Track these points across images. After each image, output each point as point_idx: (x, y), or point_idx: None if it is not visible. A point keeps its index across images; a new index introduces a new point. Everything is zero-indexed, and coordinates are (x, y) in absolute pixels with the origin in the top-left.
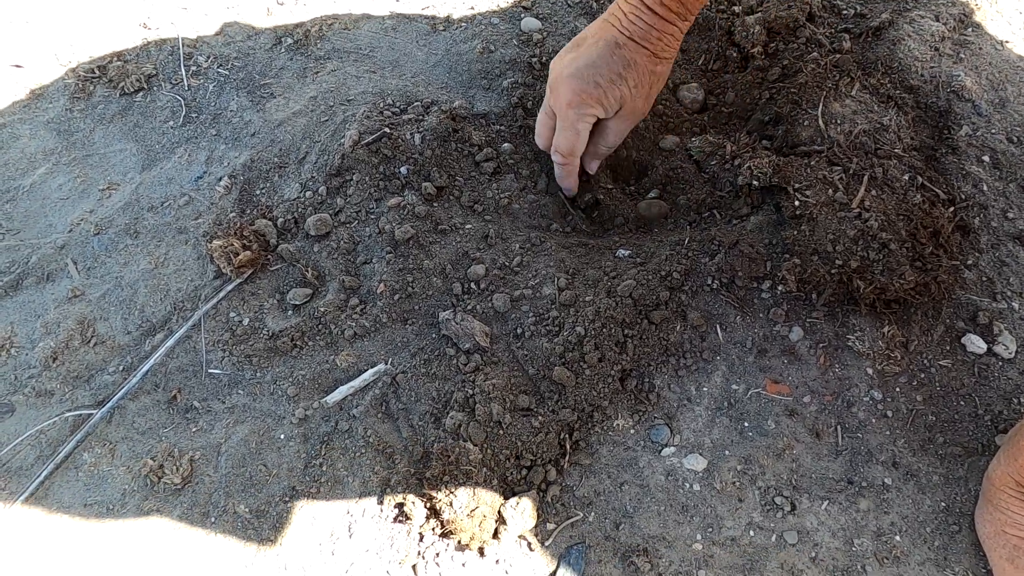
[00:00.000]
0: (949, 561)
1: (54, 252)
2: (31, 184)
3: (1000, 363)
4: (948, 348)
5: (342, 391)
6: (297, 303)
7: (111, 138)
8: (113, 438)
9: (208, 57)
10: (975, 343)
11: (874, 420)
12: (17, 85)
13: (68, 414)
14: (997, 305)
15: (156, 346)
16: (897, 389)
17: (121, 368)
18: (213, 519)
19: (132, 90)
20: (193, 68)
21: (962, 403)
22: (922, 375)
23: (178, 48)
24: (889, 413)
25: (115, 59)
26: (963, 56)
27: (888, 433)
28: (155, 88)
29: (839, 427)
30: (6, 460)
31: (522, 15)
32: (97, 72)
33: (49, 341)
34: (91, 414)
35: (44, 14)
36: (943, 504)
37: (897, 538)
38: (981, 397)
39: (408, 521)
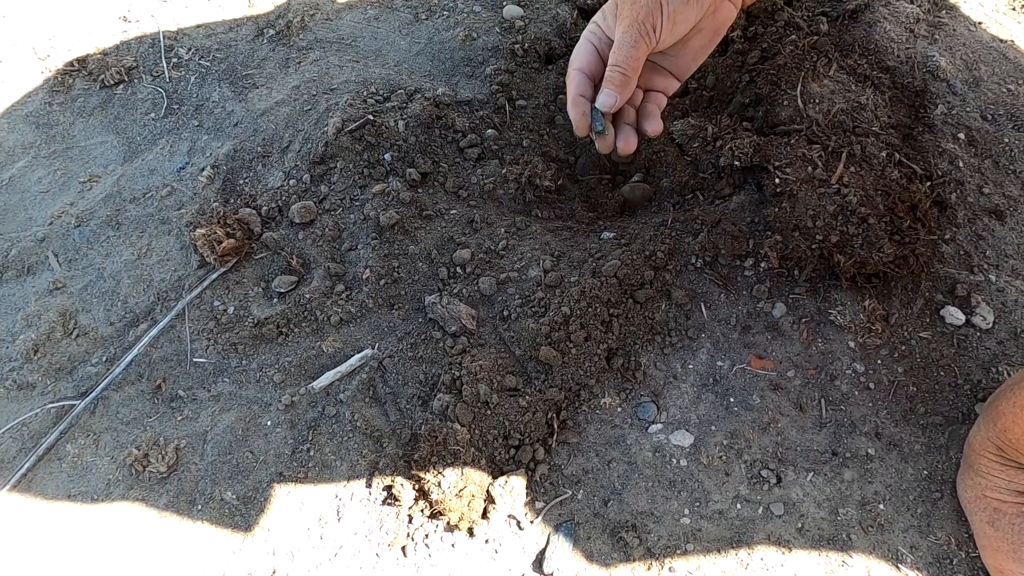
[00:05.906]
0: (932, 527)
1: (34, 245)
2: (10, 178)
3: (978, 334)
4: (928, 320)
5: (329, 376)
6: (282, 291)
7: (91, 131)
8: (97, 428)
9: (189, 49)
10: (954, 315)
11: (857, 392)
12: None
13: (50, 405)
14: (974, 278)
15: (140, 336)
16: (879, 361)
17: (104, 359)
18: (200, 506)
19: (112, 83)
20: (174, 60)
21: (942, 373)
22: (903, 347)
23: (159, 41)
24: (871, 385)
25: (95, 52)
26: (938, 37)
27: (871, 405)
28: (136, 81)
29: (823, 400)
30: None
31: (504, 2)
32: (77, 65)
33: (30, 334)
34: (74, 405)
35: (22, 8)
36: (925, 472)
37: (881, 506)
38: (960, 367)
39: (397, 503)
